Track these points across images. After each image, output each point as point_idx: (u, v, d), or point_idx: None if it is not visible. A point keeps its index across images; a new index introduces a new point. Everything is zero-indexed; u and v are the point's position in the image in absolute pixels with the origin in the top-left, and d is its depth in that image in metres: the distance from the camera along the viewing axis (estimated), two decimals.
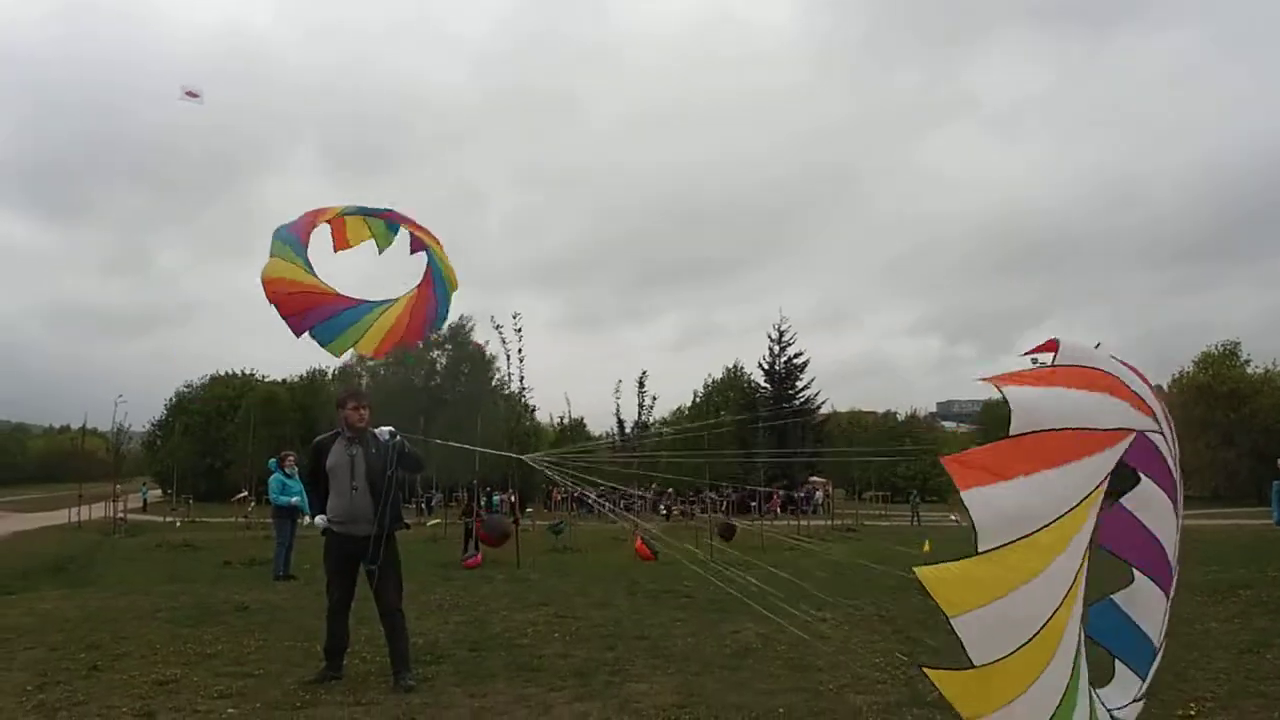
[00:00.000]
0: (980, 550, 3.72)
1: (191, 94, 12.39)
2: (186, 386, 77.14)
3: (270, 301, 9.10)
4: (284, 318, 8.87)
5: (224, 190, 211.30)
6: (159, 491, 63.51)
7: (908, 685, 7.15)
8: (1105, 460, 4.08)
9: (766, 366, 66.49)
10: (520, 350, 20.74)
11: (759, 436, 43.97)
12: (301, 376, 77.86)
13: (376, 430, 7.63)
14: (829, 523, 36.46)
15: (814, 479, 57.72)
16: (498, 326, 21.77)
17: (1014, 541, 3.85)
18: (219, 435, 69.04)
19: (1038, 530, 3.85)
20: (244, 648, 8.63)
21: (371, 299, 9.60)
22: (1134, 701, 4.59)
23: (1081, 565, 3.99)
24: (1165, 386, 76.85)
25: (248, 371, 78.06)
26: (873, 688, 7.13)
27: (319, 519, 7.62)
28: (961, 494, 3.74)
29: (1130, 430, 4.17)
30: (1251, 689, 6.98)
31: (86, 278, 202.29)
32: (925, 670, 3.88)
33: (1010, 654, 3.83)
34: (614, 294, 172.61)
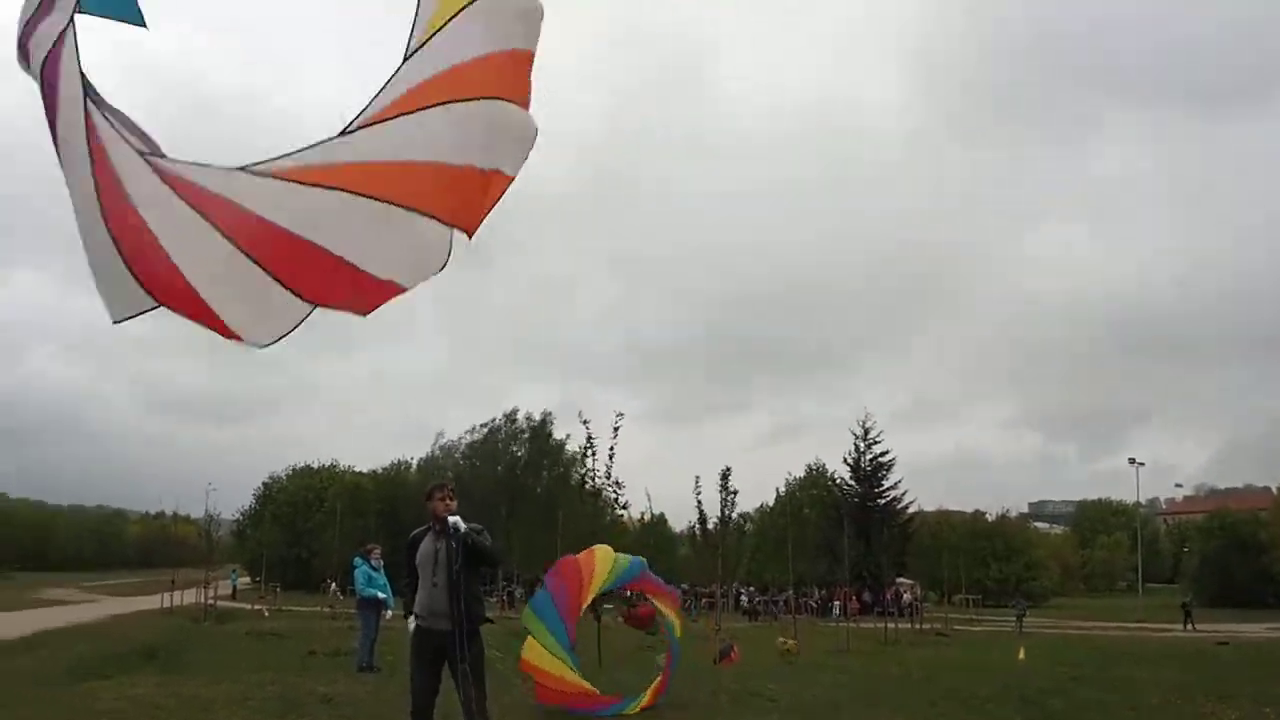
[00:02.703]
0: None
1: None
2: (272, 478, 78.64)
3: (539, 700, 10.85)
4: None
5: None
6: (248, 579, 64.39)
7: None
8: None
9: (851, 463, 65.66)
10: (612, 449, 20.82)
11: (844, 537, 43.21)
12: (385, 468, 78.79)
13: (450, 520, 7.49)
14: (917, 626, 35.55)
15: (901, 579, 56.49)
16: (585, 421, 21.93)
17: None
18: (305, 525, 70.04)
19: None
20: None
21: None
22: None
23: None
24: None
25: (332, 463, 79.40)
26: None
27: (410, 620, 7.60)
28: None
29: None
30: None
31: (180, 362, 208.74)
32: None
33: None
34: (699, 385, 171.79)
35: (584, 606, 11.57)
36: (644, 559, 12.21)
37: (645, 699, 11.20)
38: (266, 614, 35.03)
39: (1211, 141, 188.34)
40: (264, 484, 79.10)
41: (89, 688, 12.05)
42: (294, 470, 78.99)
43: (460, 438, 76.23)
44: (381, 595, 15.50)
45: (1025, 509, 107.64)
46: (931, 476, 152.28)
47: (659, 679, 11.71)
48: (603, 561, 11.67)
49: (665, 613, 12.50)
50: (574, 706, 10.59)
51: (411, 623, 7.55)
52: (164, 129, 3.78)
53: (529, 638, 10.96)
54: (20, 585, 59.29)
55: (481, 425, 74.92)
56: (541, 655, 10.78)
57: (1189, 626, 39.86)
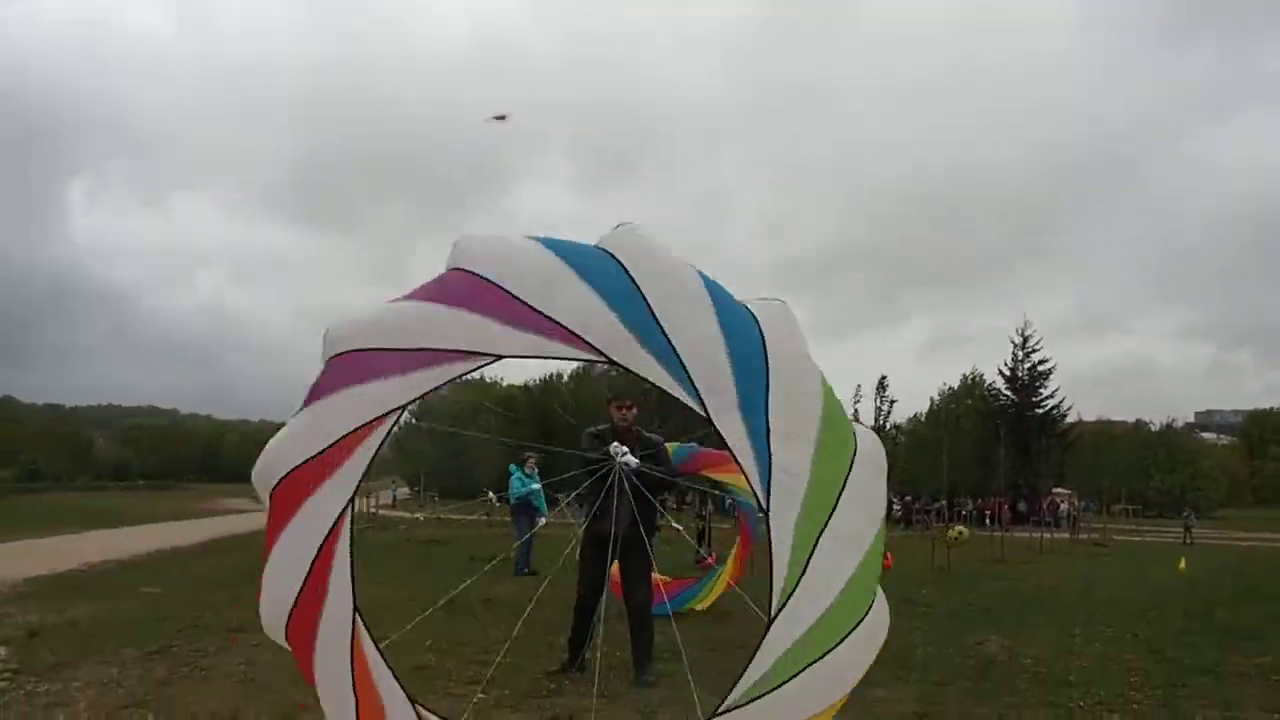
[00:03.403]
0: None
1: (500, 118, 13.29)
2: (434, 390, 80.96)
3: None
4: None
5: (477, 197, 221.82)
6: (407, 489, 66.85)
7: (1167, 706, 6.78)
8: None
9: (1008, 373, 64.00)
10: None
11: (1000, 447, 42.26)
12: (539, 380, 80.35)
13: (620, 460, 7.47)
14: (1075, 536, 34.77)
15: (1058, 490, 55.23)
16: None
17: (274, 486, 3.66)
18: (460, 440, 72.09)
19: (297, 467, 3.62)
20: (491, 638, 8.99)
21: None
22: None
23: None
24: None
25: (489, 377, 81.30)
26: (1128, 706, 6.78)
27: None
28: None
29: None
30: None
31: (348, 285, 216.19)
32: None
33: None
34: (860, 295, 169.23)
35: None
36: (695, 444, 11.74)
37: (716, 590, 11.04)
38: (421, 520, 36.49)
39: None
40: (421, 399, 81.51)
41: None
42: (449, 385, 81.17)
43: None
44: (535, 502, 15.87)
45: (1191, 419, 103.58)
46: (1096, 387, 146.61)
47: (729, 566, 11.52)
48: None
49: (730, 482, 11.88)
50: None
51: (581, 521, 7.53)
52: None
53: None
54: (196, 495, 62.81)
55: None
56: None
57: None
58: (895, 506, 43.72)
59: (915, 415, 76.03)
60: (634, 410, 7.77)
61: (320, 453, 3.66)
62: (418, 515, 38.86)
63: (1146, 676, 7.80)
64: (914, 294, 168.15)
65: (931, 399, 74.41)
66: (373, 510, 35.48)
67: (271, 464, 3.71)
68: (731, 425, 3.70)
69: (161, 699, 6.58)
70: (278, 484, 3.71)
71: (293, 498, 3.70)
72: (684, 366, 3.65)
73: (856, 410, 60.74)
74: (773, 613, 3.70)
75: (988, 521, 35.21)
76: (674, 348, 3.65)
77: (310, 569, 3.72)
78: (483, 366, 3.81)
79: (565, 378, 79.31)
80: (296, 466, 3.67)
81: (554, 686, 7.08)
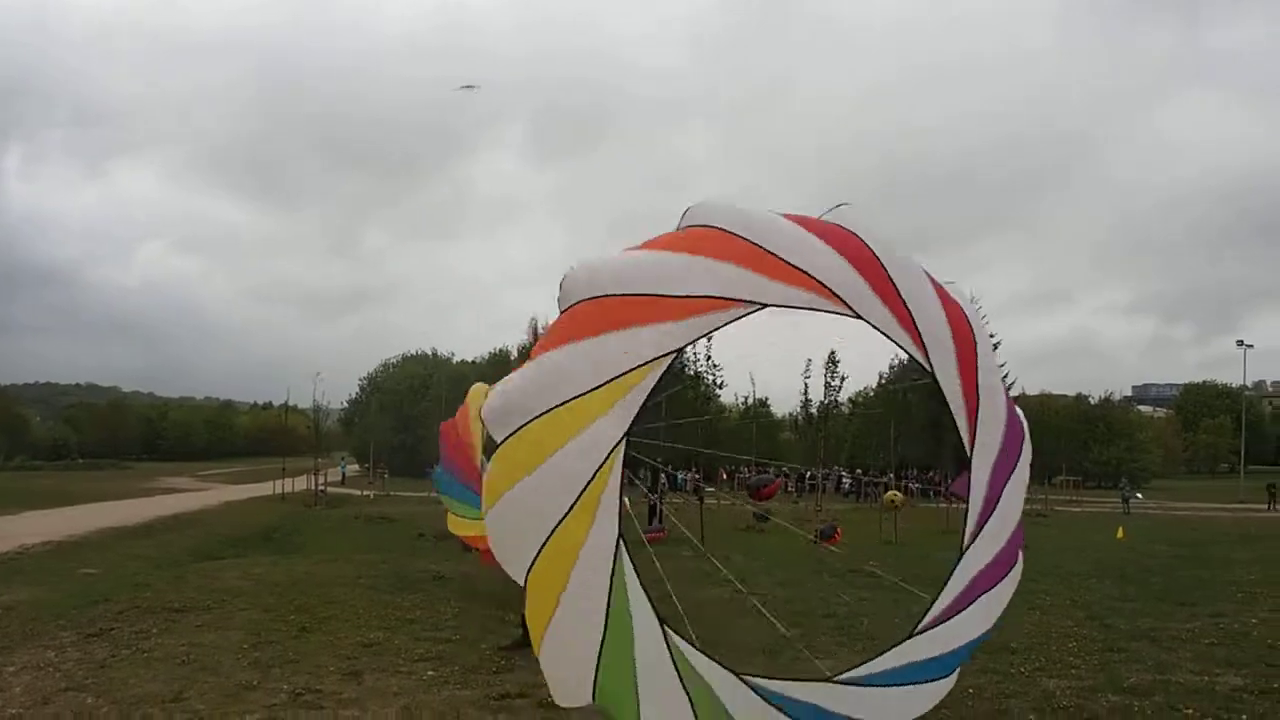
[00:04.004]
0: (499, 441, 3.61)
1: (469, 87, 13.39)
2: (384, 364, 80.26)
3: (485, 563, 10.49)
4: None
5: (431, 171, 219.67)
6: (357, 466, 66.34)
7: (1104, 670, 6.92)
8: (674, 332, 3.71)
9: None
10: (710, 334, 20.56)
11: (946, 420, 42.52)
12: (487, 356, 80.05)
13: None
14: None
15: None
16: None
17: (518, 430, 3.62)
18: (412, 413, 71.58)
19: (539, 416, 3.60)
20: (440, 614, 8.98)
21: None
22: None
23: (605, 470, 3.67)
24: None
25: (439, 352, 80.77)
26: (1066, 671, 6.91)
27: None
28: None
29: (726, 300, 3.74)
30: None
31: (296, 259, 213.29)
32: None
33: (533, 562, 3.63)
34: None
35: (477, 457, 11.52)
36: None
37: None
38: (371, 497, 36.22)
39: None
40: (369, 375, 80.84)
41: (210, 567, 12.62)
42: (401, 360, 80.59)
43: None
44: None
45: (1129, 393, 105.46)
46: (1043, 361, 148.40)
47: None
48: (474, 404, 11.54)
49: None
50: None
51: None
52: None
53: (448, 514, 11.16)
54: (138, 475, 61.87)
55: None
56: (461, 523, 10.92)
57: (1273, 507, 40.40)
58: (846, 480, 44.13)
59: (865, 390, 76.55)
60: None
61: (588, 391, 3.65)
62: (367, 493, 38.59)
63: (1084, 642, 7.95)
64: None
65: (880, 374, 74.97)
66: (322, 487, 35.10)
67: (520, 401, 3.66)
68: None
69: (101, 681, 6.49)
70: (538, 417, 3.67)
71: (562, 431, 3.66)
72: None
73: (806, 385, 61.02)
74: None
75: (933, 495, 35.65)
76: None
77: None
78: (746, 315, 3.86)
79: (515, 354, 79.07)
80: (557, 404, 3.63)
81: (503, 662, 7.06)
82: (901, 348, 4.13)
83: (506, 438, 3.63)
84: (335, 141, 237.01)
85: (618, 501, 3.72)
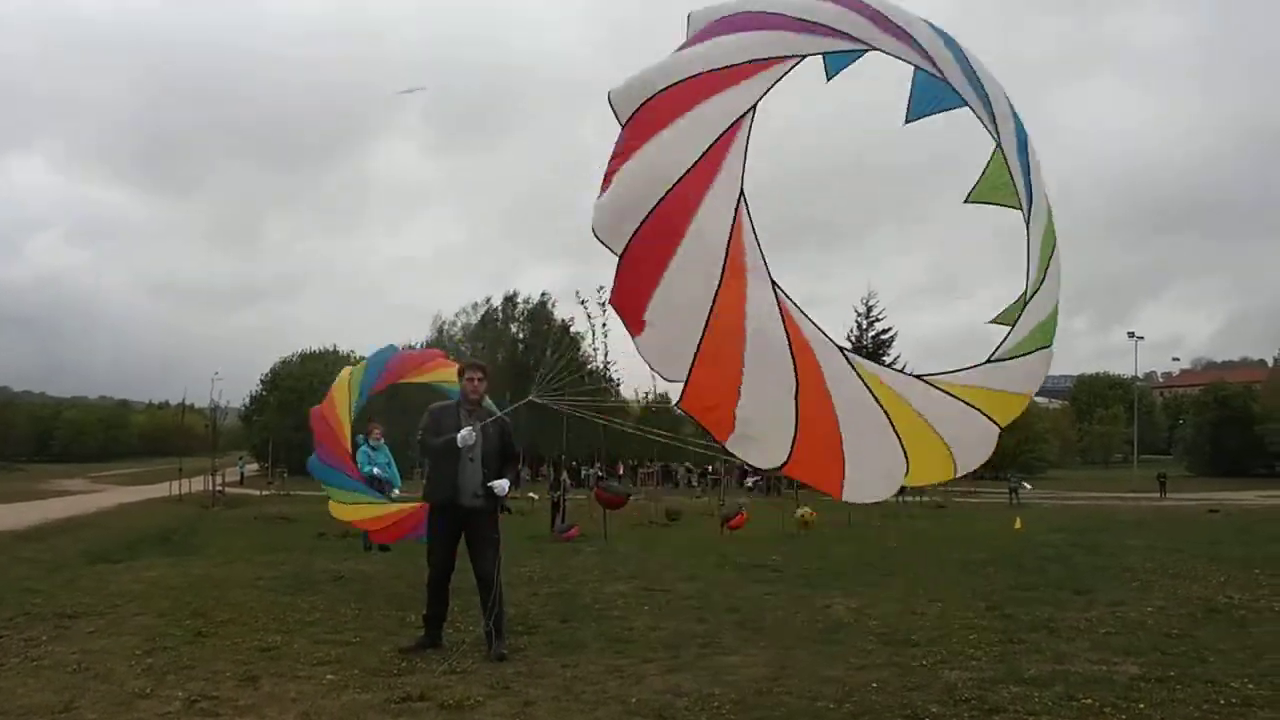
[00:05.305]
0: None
1: (411, 90, 13.44)
2: (282, 360, 78.68)
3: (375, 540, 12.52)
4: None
5: (329, 161, 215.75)
6: (256, 465, 65.06)
7: (1004, 661, 7.05)
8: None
9: (853, 341, 65.54)
10: (605, 324, 20.28)
11: None
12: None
13: (488, 407, 7.54)
14: (917, 499, 36.01)
15: None
16: (582, 301, 21.48)
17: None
18: (307, 409, 70.38)
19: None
20: (341, 616, 8.80)
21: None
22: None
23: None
24: None
25: (338, 349, 79.44)
26: (967, 663, 7.03)
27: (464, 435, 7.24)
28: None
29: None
30: None
31: (192, 251, 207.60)
32: None
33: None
34: None
35: (346, 439, 11.85)
36: (394, 344, 11.98)
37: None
38: (263, 494, 35.55)
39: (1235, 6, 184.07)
40: (272, 370, 79.16)
41: (104, 570, 12.22)
42: (300, 356, 79.11)
43: (457, 317, 76.26)
44: (379, 471, 15.39)
45: None
46: (937, 354, 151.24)
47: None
48: (340, 389, 11.86)
49: (436, 380, 12.22)
50: (412, 530, 10.22)
51: (466, 436, 7.26)
52: None
53: (330, 501, 11.43)
54: (29, 477, 59.90)
55: (476, 306, 75.35)
56: (343, 508, 11.22)
57: (1163, 496, 43.18)
58: (757, 478, 44.37)
59: None
60: (484, 381, 7.83)
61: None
62: (265, 491, 37.90)
63: (984, 633, 8.10)
64: (770, 257, 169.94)
65: None
66: (220, 487, 34.35)
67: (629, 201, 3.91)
68: (1008, 134, 4.70)
69: None
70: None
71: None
72: (987, 95, 4.57)
73: None
74: (1027, 297, 4.83)
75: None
76: (980, 80, 4.55)
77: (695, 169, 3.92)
78: (788, 72, 4.15)
79: (417, 346, 78.22)
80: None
81: (405, 665, 6.95)
82: (919, 67, 4.52)
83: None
84: (229, 126, 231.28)
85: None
